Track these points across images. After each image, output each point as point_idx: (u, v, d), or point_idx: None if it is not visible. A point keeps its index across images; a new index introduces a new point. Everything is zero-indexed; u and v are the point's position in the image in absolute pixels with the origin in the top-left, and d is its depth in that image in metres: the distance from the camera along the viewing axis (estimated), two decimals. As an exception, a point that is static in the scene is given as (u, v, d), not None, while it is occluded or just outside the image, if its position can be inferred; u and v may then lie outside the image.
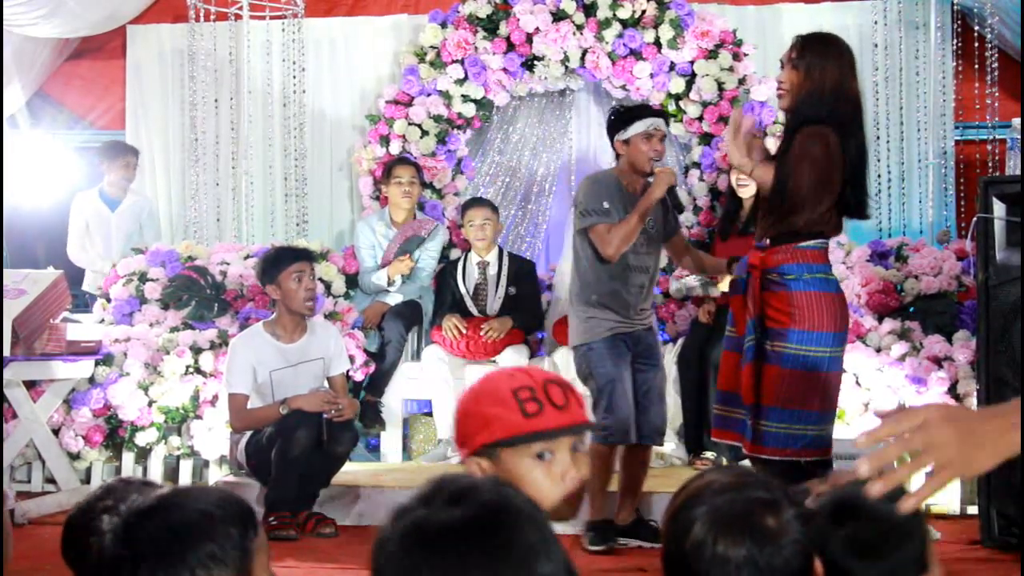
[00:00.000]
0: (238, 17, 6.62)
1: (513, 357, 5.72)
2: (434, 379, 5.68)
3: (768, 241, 3.46)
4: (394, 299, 5.96)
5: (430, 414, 5.81)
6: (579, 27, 6.45)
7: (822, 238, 3.45)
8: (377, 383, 5.74)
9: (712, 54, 6.38)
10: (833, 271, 3.56)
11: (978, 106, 6.38)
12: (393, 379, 5.79)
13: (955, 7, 6.47)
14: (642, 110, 4.30)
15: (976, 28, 6.45)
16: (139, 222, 6.76)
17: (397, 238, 6.03)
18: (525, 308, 5.89)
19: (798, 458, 3.34)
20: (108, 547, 1.43)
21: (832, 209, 3.42)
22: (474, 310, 5.89)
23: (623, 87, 6.56)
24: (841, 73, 3.38)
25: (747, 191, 5.53)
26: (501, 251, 6.02)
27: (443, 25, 6.65)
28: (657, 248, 4.35)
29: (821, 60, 3.37)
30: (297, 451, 4.44)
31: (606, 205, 4.18)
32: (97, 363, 5.33)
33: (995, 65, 6.26)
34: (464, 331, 5.70)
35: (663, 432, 4.33)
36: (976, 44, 6.36)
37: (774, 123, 6.32)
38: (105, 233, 6.68)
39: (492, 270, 5.94)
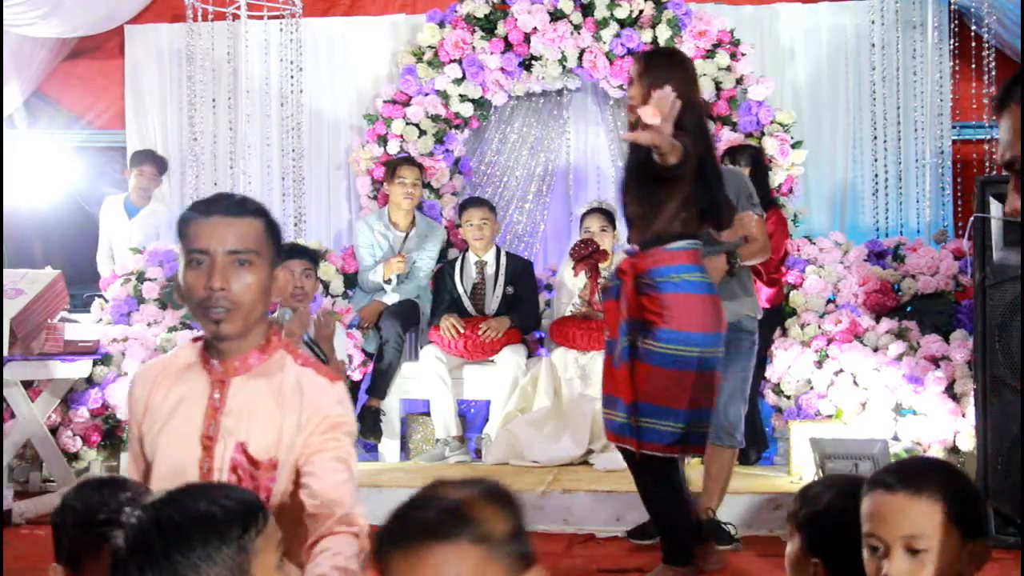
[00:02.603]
0: (236, 17, 6.62)
1: (511, 357, 5.73)
2: (431, 379, 5.68)
3: (638, 247, 3.53)
4: (391, 299, 5.96)
5: (428, 414, 5.81)
6: (577, 27, 6.46)
7: (691, 239, 3.50)
8: (377, 384, 5.74)
9: (710, 54, 6.39)
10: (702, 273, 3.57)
11: (975, 106, 6.39)
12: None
13: (952, 7, 6.47)
14: None
15: (973, 28, 6.45)
16: (156, 232, 6.72)
17: (396, 245, 6.04)
18: (523, 308, 5.90)
19: (669, 454, 3.42)
20: (117, 543, 1.43)
21: (693, 210, 3.48)
22: (472, 310, 5.89)
23: (621, 87, 6.56)
24: (686, 85, 3.43)
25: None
26: (499, 251, 6.03)
27: (441, 25, 6.66)
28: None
29: (666, 74, 3.43)
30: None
31: None
32: (95, 363, 5.32)
33: (992, 65, 6.26)
34: (462, 331, 5.71)
35: (734, 432, 4.13)
36: (973, 44, 6.37)
37: (772, 123, 6.33)
38: (121, 241, 6.67)
39: (490, 270, 5.94)
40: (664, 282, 3.42)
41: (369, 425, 5.65)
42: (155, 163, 6.81)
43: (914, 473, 1.67)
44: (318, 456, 1.98)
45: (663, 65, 3.47)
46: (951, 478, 1.67)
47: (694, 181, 3.44)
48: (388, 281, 5.97)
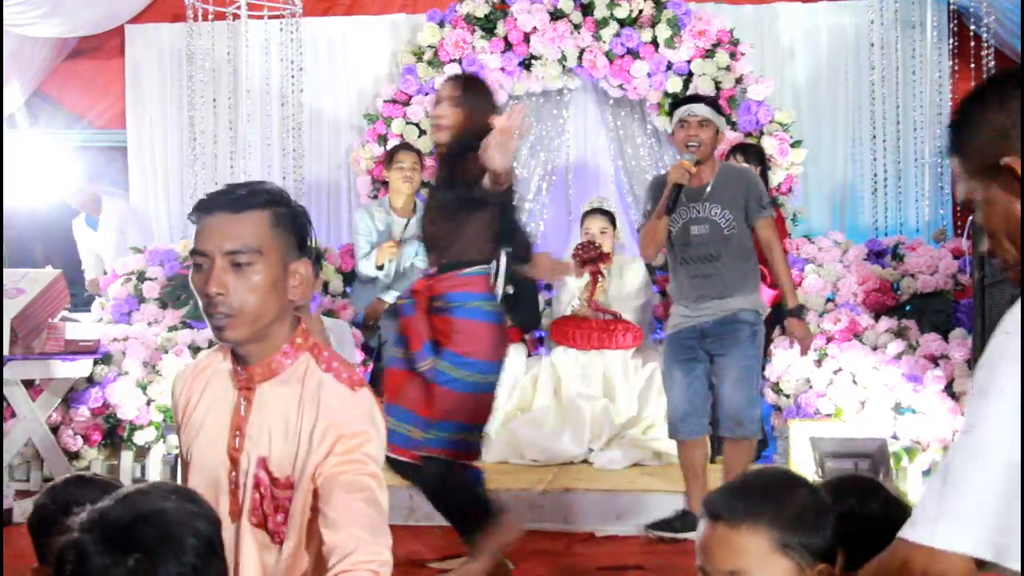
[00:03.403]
0: (236, 17, 6.62)
1: (510, 356, 5.72)
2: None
3: (435, 269, 3.63)
4: (391, 296, 5.95)
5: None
6: (576, 26, 6.47)
7: (485, 265, 3.60)
8: (377, 384, 5.74)
9: (709, 53, 6.40)
10: (488, 301, 3.65)
11: (974, 105, 6.38)
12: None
13: (951, 6, 6.48)
14: (683, 100, 4.45)
15: (972, 27, 6.46)
16: (121, 227, 6.77)
17: (396, 231, 6.04)
18: (522, 307, 5.90)
19: (452, 458, 3.54)
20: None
21: (490, 237, 3.60)
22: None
23: (620, 86, 6.57)
24: (492, 113, 3.53)
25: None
26: (499, 250, 6.03)
27: (441, 24, 6.66)
28: (719, 236, 4.26)
29: (480, 102, 3.57)
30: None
31: (649, 207, 4.36)
32: (96, 362, 5.33)
33: (991, 64, 6.26)
34: None
35: (741, 421, 4.22)
36: (972, 43, 6.37)
37: (771, 122, 6.34)
38: (98, 253, 6.73)
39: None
40: (458, 307, 3.53)
41: None
42: (88, 190, 6.82)
43: (741, 499, 1.58)
44: (337, 481, 1.76)
45: (477, 92, 3.60)
46: (783, 501, 1.56)
47: (494, 209, 3.56)
48: (380, 267, 5.96)
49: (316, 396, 1.85)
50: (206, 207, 1.88)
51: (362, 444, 1.80)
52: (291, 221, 1.91)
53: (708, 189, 4.27)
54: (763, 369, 5.30)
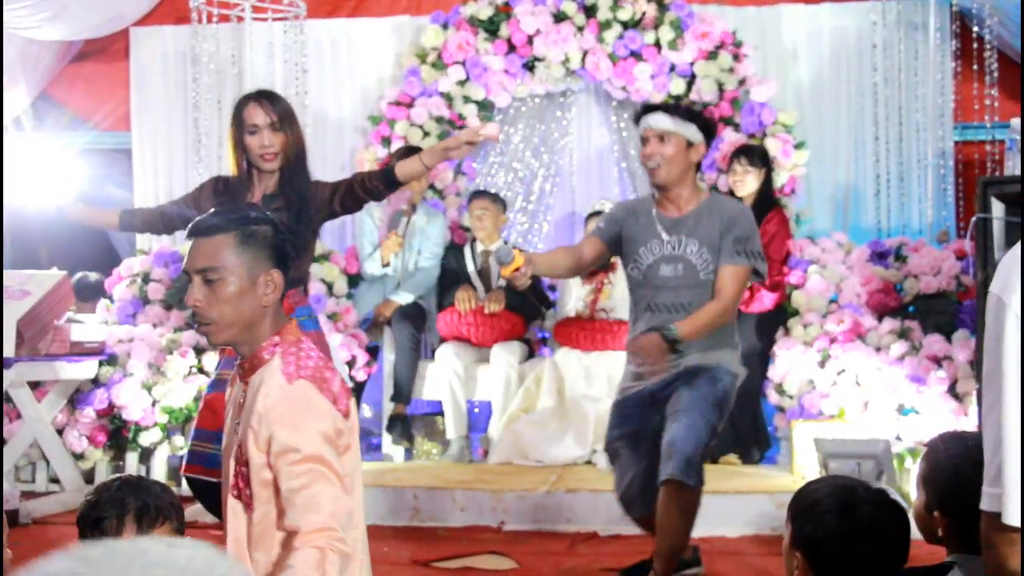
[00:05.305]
0: (240, 19, 6.65)
1: (501, 354, 5.74)
2: (449, 376, 5.71)
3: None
4: (403, 298, 5.96)
5: (432, 414, 5.85)
6: (580, 28, 6.48)
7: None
8: (400, 389, 5.76)
9: (712, 55, 6.41)
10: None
11: (977, 107, 6.40)
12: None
13: (954, 8, 6.49)
14: (643, 110, 3.77)
15: (975, 29, 6.47)
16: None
17: (385, 220, 6.07)
18: (525, 299, 5.93)
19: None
20: None
21: (312, 252, 3.71)
22: (481, 289, 5.95)
23: (623, 88, 6.58)
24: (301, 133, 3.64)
25: (744, 189, 5.59)
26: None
27: (444, 27, 6.68)
28: (694, 280, 3.54)
29: (290, 112, 3.60)
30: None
31: (602, 225, 3.88)
32: (101, 363, 5.36)
33: (994, 66, 6.28)
34: (473, 305, 5.77)
35: (672, 454, 3.39)
36: (975, 45, 6.38)
37: (774, 123, 6.35)
38: None
39: (493, 259, 6.00)
40: (306, 320, 3.50)
41: (400, 431, 5.70)
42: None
43: None
44: (282, 487, 1.98)
45: (285, 106, 3.61)
46: None
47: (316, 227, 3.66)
48: (387, 264, 5.98)
49: (259, 387, 2.07)
50: (190, 231, 2.17)
51: (286, 438, 1.98)
52: (258, 239, 2.14)
53: (686, 221, 3.56)
54: (765, 371, 5.32)
